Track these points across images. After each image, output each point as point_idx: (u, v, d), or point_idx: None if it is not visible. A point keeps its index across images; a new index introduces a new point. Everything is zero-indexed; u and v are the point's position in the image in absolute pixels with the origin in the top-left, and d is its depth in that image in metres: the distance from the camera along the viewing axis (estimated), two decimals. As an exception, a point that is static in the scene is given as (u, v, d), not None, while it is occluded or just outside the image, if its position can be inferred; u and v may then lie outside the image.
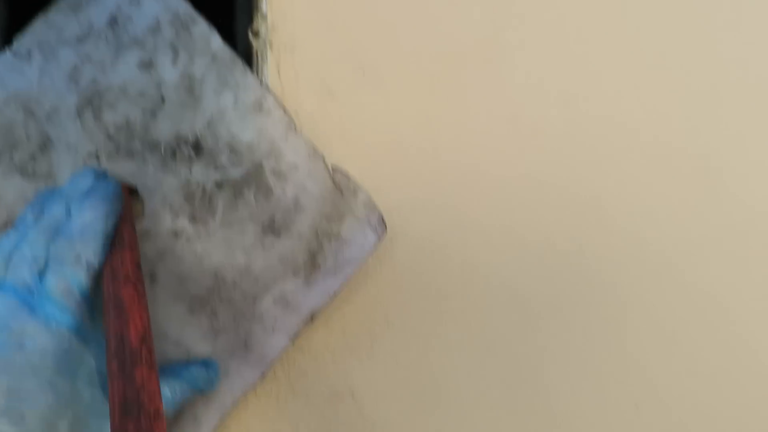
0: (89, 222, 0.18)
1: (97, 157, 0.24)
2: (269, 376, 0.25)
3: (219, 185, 0.24)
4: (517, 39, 0.30)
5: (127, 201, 0.22)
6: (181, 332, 0.23)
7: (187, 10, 0.26)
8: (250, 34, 0.28)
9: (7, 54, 0.25)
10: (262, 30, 0.28)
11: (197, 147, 0.24)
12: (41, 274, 0.17)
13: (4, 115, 0.25)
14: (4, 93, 0.25)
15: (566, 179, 0.29)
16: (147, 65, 0.25)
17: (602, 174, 0.29)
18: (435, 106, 0.29)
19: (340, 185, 0.25)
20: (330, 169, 0.25)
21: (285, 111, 0.25)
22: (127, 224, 0.20)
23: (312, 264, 0.24)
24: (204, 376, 0.22)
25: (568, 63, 0.30)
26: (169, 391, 0.20)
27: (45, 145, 0.24)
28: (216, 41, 0.26)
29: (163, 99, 0.25)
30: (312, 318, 0.24)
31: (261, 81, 0.27)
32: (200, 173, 0.24)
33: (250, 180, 0.24)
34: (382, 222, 0.25)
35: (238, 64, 0.26)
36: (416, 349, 0.27)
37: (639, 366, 0.28)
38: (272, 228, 0.24)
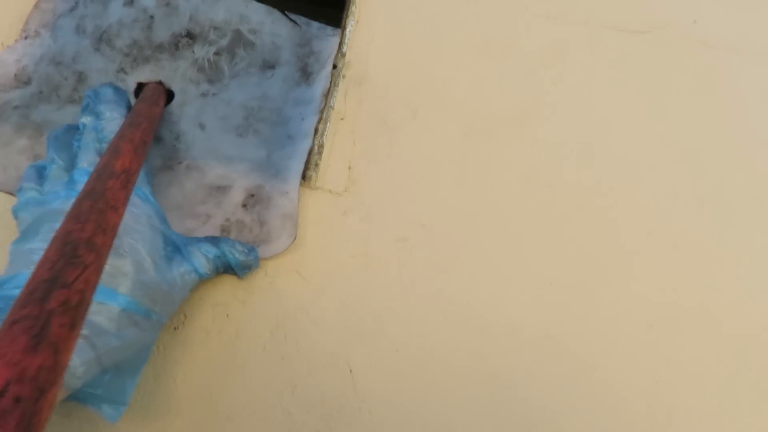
0: (116, 120, 0.27)
1: (124, 71, 0.32)
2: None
3: (217, 53, 0.33)
4: (549, 109, 0.36)
5: (160, 90, 0.30)
6: (239, 149, 0.31)
7: None
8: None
9: (23, 38, 0.34)
10: (339, 64, 0.35)
11: (190, 35, 0.33)
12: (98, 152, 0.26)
13: (41, 71, 0.33)
14: (35, 57, 0.33)
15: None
16: (129, 2, 0.34)
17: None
18: (466, 151, 0.34)
19: (297, 21, 0.34)
20: (285, 13, 0.34)
21: None
22: (151, 107, 0.27)
23: (305, 73, 0.33)
24: (241, 252, 0.26)
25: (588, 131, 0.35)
26: (203, 256, 0.24)
27: (80, 77, 0.33)
28: None
29: (152, 17, 0.33)
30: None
31: (330, 103, 0.33)
32: (200, 51, 0.33)
33: (236, 42, 0.33)
34: None
35: None
36: None
37: None
38: (267, 64, 0.33)
